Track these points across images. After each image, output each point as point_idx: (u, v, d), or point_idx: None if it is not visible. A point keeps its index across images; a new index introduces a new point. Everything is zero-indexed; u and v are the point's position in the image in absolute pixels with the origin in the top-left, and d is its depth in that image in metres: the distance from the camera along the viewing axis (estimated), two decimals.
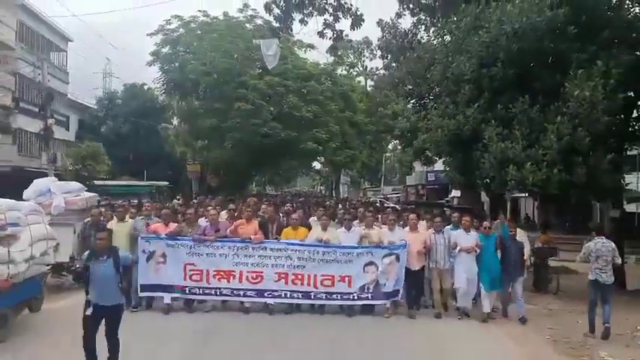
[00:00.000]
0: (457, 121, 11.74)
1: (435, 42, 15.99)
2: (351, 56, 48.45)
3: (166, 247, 9.13)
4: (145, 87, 44.23)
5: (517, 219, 27.93)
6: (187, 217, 9.88)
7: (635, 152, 14.60)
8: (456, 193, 22.86)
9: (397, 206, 22.91)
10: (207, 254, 9.18)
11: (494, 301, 9.77)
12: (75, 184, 11.11)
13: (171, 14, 36.41)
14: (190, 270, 9.17)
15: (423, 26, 21.37)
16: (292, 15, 16.86)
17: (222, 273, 9.21)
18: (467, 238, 9.52)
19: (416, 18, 21.41)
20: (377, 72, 42.89)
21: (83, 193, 10.78)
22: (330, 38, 17.52)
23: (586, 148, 10.32)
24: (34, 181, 10.58)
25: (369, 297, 9.43)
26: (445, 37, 13.49)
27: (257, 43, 18.28)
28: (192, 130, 34.10)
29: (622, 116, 12.66)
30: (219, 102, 29.25)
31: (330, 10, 17.17)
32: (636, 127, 13.33)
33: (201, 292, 9.25)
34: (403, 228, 10.23)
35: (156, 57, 33.21)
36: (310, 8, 17.25)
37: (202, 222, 9.94)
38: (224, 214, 10.89)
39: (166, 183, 31.01)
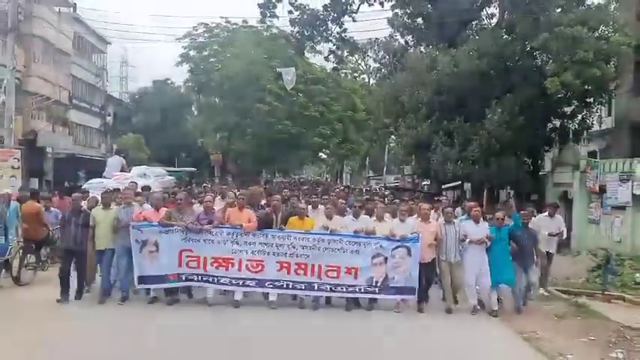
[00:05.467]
0: (417, 131, 17.23)
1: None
2: (356, 56, 53.55)
3: (159, 235, 8.61)
4: (168, 81, 50.02)
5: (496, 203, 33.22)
6: (178, 203, 8.99)
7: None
8: (426, 182, 28.26)
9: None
10: (204, 240, 8.63)
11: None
12: (160, 170, 16.35)
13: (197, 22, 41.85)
14: (187, 256, 8.65)
15: (412, 48, 26.96)
16: (305, 44, 22.33)
17: (220, 260, 8.67)
18: (476, 230, 8.85)
19: (403, 40, 27.00)
20: (379, 71, 47.91)
21: (167, 176, 15.99)
22: (334, 62, 23.06)
23: (497, 152, 15.75)
24: (133, 168, 15.91)
25: (377, 291, 8.79)
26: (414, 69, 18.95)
27: (279, 71, 23.69)
28: (212, 124, 39.49)
29: (540, 127, 18.07)
30: (240, 102, 34.62)
31: (334, 41, 22.66)
32: (552, 136, 18.67)
33: (199, 278, 8.75)
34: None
35: (184, 59, 38.77)
36: (319, 38, 22.76)
37: (197, 208, 9.36)
38: (219, 200, 10.45)
39: (194, 169, 36.53)
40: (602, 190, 15.03)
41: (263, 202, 10.11)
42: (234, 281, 8.70)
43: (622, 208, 14.22)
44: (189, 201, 9.62)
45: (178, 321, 7.94)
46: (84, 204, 9.36)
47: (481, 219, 9.12)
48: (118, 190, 10.43)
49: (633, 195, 13.75)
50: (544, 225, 10.47)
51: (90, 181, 12.79)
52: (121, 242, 8.73)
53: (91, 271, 9.13)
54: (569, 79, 13.45)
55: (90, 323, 7.76)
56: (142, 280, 8.68)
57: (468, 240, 8.77)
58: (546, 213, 10.88)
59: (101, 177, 13.55)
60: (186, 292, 9.11)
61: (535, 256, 9.37)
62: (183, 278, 8.72)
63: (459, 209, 11.69)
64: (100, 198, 9.56)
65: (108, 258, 8.87)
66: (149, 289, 8.87)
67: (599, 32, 14.34)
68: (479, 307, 8.85)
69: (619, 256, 12.97)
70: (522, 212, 9.65)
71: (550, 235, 10.40)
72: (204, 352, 6.71)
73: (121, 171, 13.75)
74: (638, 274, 11.56)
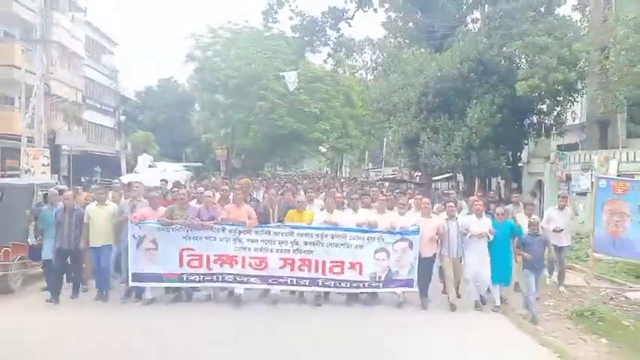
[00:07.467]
0: (407, 128, 19.25)
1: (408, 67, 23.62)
2: (354, 54, 55.45)
3: (157, 232, 8.47)
4: (173, 79, 52.22)
5: (487, 194, 35.30)
6: (180, 199, 8.83)
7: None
8: (418, 173, 30.44)
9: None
10: (206, 238, 8.53)
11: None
12: (178, 165, 18.54)
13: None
14: (188, 255, 8.53)
15: (404, 48, 28.96)
16: (305, 49, 24.35)
17: (223, 258, 8.60)
18: (479, 224, 8.85)
19: (397, 41, 29.02)
20: (376, 69, 49.87)
21: (184, 171, 18.15)
22: (332, 64, 25.08)
23: (477, 146, 17.75)
24: (156, 163, 18.04)
25: (380, 286, 8.86)
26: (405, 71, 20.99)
27: (282, 74, 25.73)
28: (216, 120, 41.48)
29: (519, 122, 20.09)
30: (244, 99, 36.63)
31: (332, 45, 24.67)
32: (530, 131, 20.66)
33: (200, 278, 8.64)
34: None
35: (189, 58, 40.78)
36: (317, 43, 24.78)
37: (193, 204, 9.11)
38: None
39: (201, 164, 38.60)
40: (569, 178, 17.09)
41: (257, 193, 10.50)
42: (237, 278, 8.67)
43: (584, 194, 16.28)
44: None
45: (178, 320, 7.89)
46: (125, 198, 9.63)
47: (483, 213, 9.02)
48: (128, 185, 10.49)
49: (592, 183, 15.78)
50: (554, 219, 10.19)
51: (124, 176, 14.81)
52: (124, 239, 8.67)
53: (87, 269, 9.17)
54: (535, 83, 15.46)
55: (93, 320, 7.81)
56: (137, 277, 8.52)
57: (469, 234, 8.72)
58: (556, 206, 10.46)
59: (133, 172, 15.67)
60: (184, 292, 8.89)
61: (545, 262, 9.02)
62: (184, 279, 8.61)
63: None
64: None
65: (105, 254, 8.81)
66: (143, 288, 8.69)
67: (565, 40, 16.29)
68: (480, 302, 8.80)
69: (578, 234, 15.04)
70: (532, 218, 9.01)
71: (554, 231, 9.93)
72: (204, 351, 6.70)
73: (149, 167, 15.81)
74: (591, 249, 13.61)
